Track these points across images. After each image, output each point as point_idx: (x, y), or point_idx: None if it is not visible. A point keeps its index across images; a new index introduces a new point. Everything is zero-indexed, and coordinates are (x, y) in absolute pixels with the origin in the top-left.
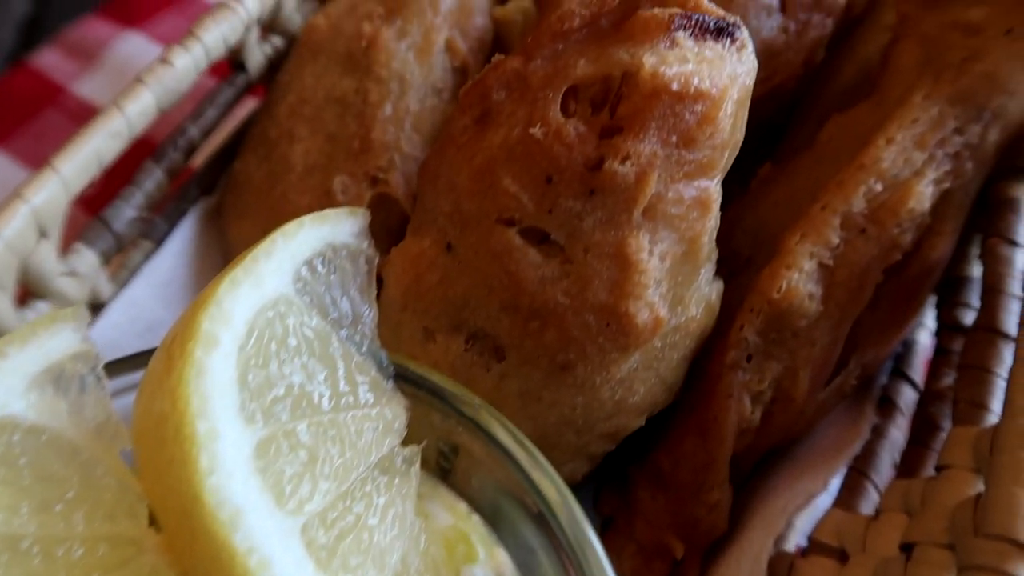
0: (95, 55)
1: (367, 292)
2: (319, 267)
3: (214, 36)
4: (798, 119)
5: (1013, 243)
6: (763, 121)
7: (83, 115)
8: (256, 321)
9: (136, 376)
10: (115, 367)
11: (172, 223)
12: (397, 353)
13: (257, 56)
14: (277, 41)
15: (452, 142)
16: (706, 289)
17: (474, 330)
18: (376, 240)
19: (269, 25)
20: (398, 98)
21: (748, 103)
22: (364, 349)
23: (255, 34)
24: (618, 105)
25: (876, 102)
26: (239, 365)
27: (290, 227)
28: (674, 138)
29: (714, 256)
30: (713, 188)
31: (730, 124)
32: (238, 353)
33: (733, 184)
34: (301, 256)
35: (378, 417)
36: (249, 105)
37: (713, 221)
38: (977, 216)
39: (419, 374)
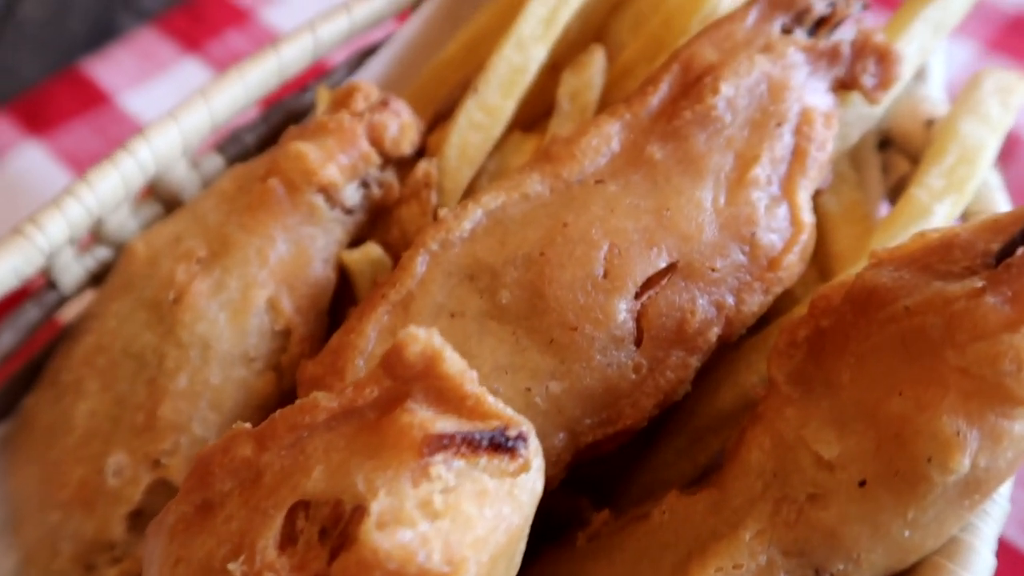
0: None
1: None
2: None
3: (2, 271)
4: (663, 443)
5: None
6: (606, 456)
7: None
8: None
9: None
10: None
11: None
12: None
13: (74, 271)
14: (103, 252)
15: (165, 530)
16: None
17: None
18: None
19: (95, 235)
20: (197, 369)
21: (523, 541)
22: None
23: (69, 253)
24: (340, 549)
25: (716, 500)
26: None
27: None
28: None
29: None
30: None
31: None
32: None
33: (583, 495)
34: None
35: None
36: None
37: None
38: None
39: None
